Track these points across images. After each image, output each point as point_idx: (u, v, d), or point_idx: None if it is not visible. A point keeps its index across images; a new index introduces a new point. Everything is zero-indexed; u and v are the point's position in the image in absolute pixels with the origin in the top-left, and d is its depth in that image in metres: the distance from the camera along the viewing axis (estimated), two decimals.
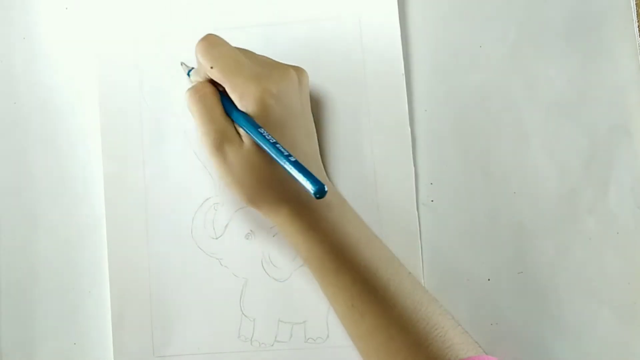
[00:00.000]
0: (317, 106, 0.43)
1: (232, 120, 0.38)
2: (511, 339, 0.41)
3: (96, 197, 0.44)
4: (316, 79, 0.43)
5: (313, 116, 0.42)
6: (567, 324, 0.42)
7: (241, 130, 0.38)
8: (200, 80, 0.40)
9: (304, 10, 0.44)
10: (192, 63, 0.42)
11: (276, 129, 0.37)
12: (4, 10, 0.45)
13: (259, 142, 0.36)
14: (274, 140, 0.36)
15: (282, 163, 0.35)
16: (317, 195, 0.34)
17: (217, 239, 0.43)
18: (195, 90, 0.39)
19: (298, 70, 0.40)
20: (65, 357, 0.43)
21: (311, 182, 0.34)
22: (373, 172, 0.43)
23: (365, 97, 0.43)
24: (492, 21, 0.44)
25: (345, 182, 0.43)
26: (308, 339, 0.42)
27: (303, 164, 0.35)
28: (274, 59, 0.41)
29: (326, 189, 0.34)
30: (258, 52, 0.43)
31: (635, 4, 0.43)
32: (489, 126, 0.43)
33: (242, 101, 0.37)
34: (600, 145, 0.42)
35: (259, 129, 0.36)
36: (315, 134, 0.42)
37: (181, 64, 0.43)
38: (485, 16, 0.44)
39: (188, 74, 0.42)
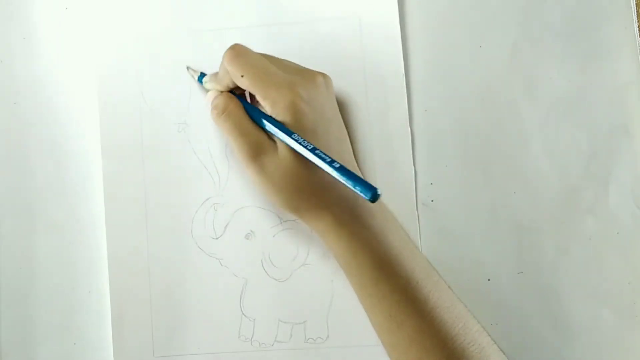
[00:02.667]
0: None
1: (263, 129, 0.38)
2: (511, 339, 0.41)
3: (96, 197, 0.44)
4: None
5: None
6: (567, 324, 0.42)
7: (275, 138, 0.38)
8: (218, 87, 0.40)
9: (304, 10, 0.44)
10: (194, 64, 0.42)
11: (310, 135, 0.37)
12: (4, 10, 0.45)
13: (296, 149, 0.36)
14: (312, 146, 0.36)
15: (327, 170, 0.35)
16: (372, 199, 0.33)
17: (217, 239, 0.43)
18: (220, 108, 0.39)
19: (324, 75, 0.40)
20: (65, 357, 0.43)
21: (363, 187, 0.33)
22: (373, 172, 0.43)
23: (365, 97, 0.43)
24: (492, 21, 0.44)
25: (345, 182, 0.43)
26: (308, 339, 0.42)
27: None
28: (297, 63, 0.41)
29: (379, 192, 0.33)
30: (258, 52, 0.44)
31: (635, 4, 0.43)
32: (489, 126, 0.43)
33: (274, 109, 0.37)
34: (600, 145, 0.42)
35: (293, 136, 0.36)
36: (348, 138, 0.41)
37: (187, 69, 0.43)
38: (485, 16, 0.44)
39: (200, 80, 0.42)
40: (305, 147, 0.36)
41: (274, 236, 0.43)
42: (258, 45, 0.44)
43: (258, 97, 0.38)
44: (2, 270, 0.44)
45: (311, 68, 0.41)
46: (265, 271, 0.43)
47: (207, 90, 0.42)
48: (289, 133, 0.36)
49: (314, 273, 0.42)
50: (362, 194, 0.33)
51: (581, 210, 0.42)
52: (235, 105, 0.39)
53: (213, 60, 0.44)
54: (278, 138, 0.37)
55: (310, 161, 0.36)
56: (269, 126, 0.38)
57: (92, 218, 0.44)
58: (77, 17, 0.45)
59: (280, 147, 0.38)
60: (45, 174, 0.44)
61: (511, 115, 0.43)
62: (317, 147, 0.36)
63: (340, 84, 0.43)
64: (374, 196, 0.33)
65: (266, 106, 0.38)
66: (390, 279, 0.38)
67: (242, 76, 0.38)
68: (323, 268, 0.42)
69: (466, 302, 0.41)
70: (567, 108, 0.43)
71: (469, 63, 0.43)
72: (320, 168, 0.35)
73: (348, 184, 0.34)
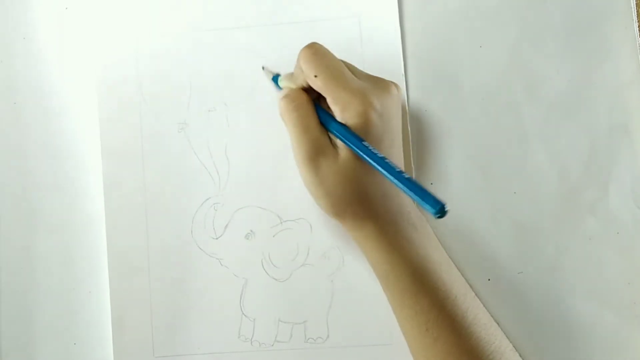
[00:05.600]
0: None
1: (327, 132, 0.38)
2: (511, 338, 0.41)
3: (96, 197, 0.44)
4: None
5: None
6: (567, 324, 0.42)
7: (338, 142, 0.37)
8: (292, 86, 0.40)
9: (304, 10, 0.44)
10: (194, 64, 0.42)
11: (375, 145, 0.36)
12: (4, 10, 0.45)
13: (364, 156, 0.36)
14: (382, 156, 0.35)
15: (394, 180, 0.34)
16: (438, 215, 0.32)
17: (217, 239, 0.43)
18: (290, 98, 0.39)
19: (397, 86, 0.39)
20: (65, 357, 0.43)
21: (430, 201, 0.33)
22: None
23: None
24: (492, 21, 0.44)
25: None
26: (308, 339, 0.42)
27: None
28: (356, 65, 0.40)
29: (447, 208, 0.32)
30: (258, 52, 0.44)
31: (636, 3, 0.43)
32: (489, 126, 0.43)
33: (344, 114, 0.37)
34: (601, 145, 0.42)
35: (364, 143, 0.36)
36: (402, 151, 0.41)
37: (262, 68, 0.43)
38: (485, 16, 0.44)
39: (275, 80, 0.42)
40: (375, 155, 0.35)
41: (274, 236, 0.43)
42: (258, 45, 0.44)
43: (329, 100, 0.37)
44: (3, 270, 0.44)
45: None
46: (265, 271, 0.43)
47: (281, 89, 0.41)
48: (360, 139, 0.36)
49: (314, 273, 0.42)
50: (428, 208, 0.32)
51: (581, 210, 0.42)
52: (305, 100, 0.38)
53: (212, 60, 0.44)
54: (344, 143, 0.37)
55: (369, 170, 0.36)
56: (337, 129, 0.37)
57: (92, 218, 0.44)
58: (77, 17, 0.45)
59: (342, 153, 0.37)
60: (45, 173, 0.44)
61: (511, 115, 0.43)
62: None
63: None
64: (441, 211, 0.32)
65: (336, 110, 0.37)
66: (429, 292, 0.37)
67: (315, 76, 0.37)
68: (323, 268, 0.42)
69: None
70: (567, 108, 0.43)
71: (469, 63, 0.43)
72: (387, 178, 0.35)
73: (415, 197, 0.33)
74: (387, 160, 0.35)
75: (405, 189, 0.34)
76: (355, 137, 0.36)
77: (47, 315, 0.43)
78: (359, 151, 0.36)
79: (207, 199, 0.43)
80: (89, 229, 0.44)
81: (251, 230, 0.43)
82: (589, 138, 0.43)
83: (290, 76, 0.40)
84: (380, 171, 0.35)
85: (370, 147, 0.36)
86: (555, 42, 0.43)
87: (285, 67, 0.41)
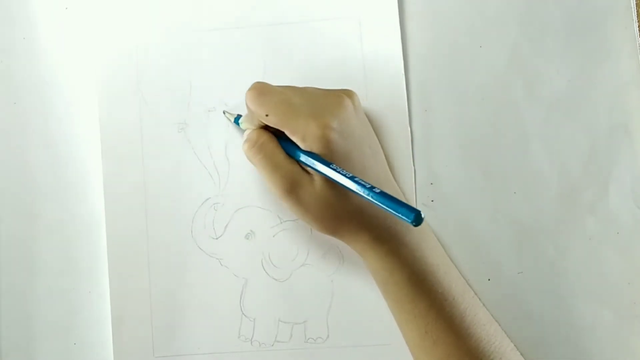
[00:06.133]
0: None
1: (297, 162, 0.38)
2: (511, 338, 0.41)
3: (96, 197, 0.44)
4: (316, 79, 0.43)
5: None
6: (567, 324, 0.42)
7: (310, 170, 0.38)
8: (252, 127, 0.40)
9: (304, 10, 0.44)
10: (194, 64, 0.42)
11: (344, 161, 0.37)
12: (4, 10, 0.45)
13: (334, 179, 0.36)
14: (351, 175, 0.35)
15: (367, 197, 0.34)
16: (415, 224, 0.32)
17: (217, 239, 0.43)
18: (252, 142, 0.39)
19: (348, 93, 0.40)
20: (65, 357, 0.43)
21: (404, 211, 0.33)
22: None
23: (365, 97, 0.43)
24: (492, 21, 0.44)
25: None
26: (308, 339, 0.42)
27: (380, 187, 0.35)
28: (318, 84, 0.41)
29: (423, 215, 0.33)
30: (258, 52, 0.44)
31: (636, 3, 0.43)
32: (489, 126, 0.43)
33: (306, 142, 0.37)
34: (601, 145, 0.42)
35: (331, 166, 0.36)
36: (381, 150, 0.41)
37: (224, 113, 0.43)
38: (485, 16, 0.44)
39: (236, 122, 0.42)
40: (344, 175, 0.35)
41: (274, 236, 0.43)
42: (258, 45, 0.44)
43: (287, 133, 0.38)
44: (3, 270, 0.44)
45: (311, 68, 0.41)
46: (265, 271, 0.43)
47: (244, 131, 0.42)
48: (327, 164, 0.36)
49: (314, 273, 0.42)
50: (404, 218, 0.33)
51: (581, 210, 0.42)
52: (267, 138, 0.39)
53: (213, 60, 0.44)
54: (314, 169, 0.37)
55: (347, 188, 0.36)
56: (304, 158, 0.37)
57: (92, 218, 0.44)
58: (77, 17, 0.45)
59: (317, 178, 0.37)
60: (45, 174, 0.44)
61: (511, 115, 0.43)
62: (353, 171, 0.36)
63: (340, 84, 0.43)
64: (417, 219, 0.32)
65: (297, 140, 0.37)
66: (426, 295, 0.37)
67: (267, 115, 0.37)
68: (323, 268, 0.42)
69: None
70: (567, 108, 0.43)
71: (469, 63, 0.43)
72: (359, 195, 0.35)
73: (390, 210, 0.33)
74: (356, 179, 0.35)
75: (378, 203, 0.34)
76: (322, 162, 0.36)
77: (47, 315, 0.43)
78: (328, 174, 0.36)
79: (207, 199, 0.43)
80: (89, 229, 0.44)
81: (251, 230, 0.43)
82: (589, 138, 0.43)
83: (247, 116, 0.40)
84: (352, 190, 0.35)
85: (337, 168, 0.36)
86: (555, 42, 0.43)
87: (286, 66, 0.41)
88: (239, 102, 0.43)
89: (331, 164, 0.36)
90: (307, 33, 0.44)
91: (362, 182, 0.35)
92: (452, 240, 0.42)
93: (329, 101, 0.38)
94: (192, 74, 0.44)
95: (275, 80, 0.43)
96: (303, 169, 0.38)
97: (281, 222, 0.43)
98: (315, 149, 0.37)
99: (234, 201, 0.43)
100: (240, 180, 0.43)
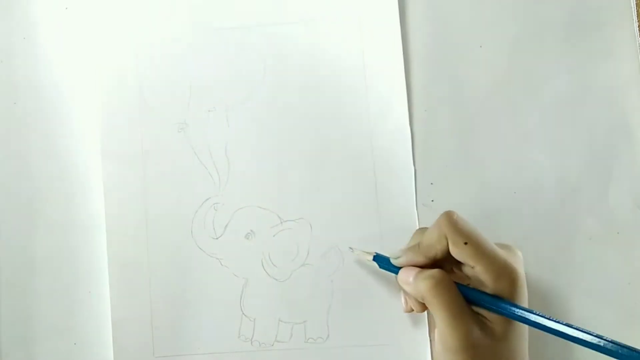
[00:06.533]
0: (317, 106, 0.43)
1: (474, 310, 0.36)
2: None
3: (96, 197, 0.44)
4: (316, 79, 0.43)
5: (314, 116, 0.42)
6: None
7: (490, 316, 0.35)
8: (419, 259, 0.37)
9: (304, 10, 0.44)
10: (193, 64, 0.41)
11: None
12: (4, 10, 0.45)
13: (549, 326, 0.34)
14: (566, 323, 0.33)
15: (594, 342, 0.32)
16: None
17: (217, 239, 0.43)
18: (437, 280, 0.35)
19: (519, 251, 0.38)
20: (65, 357, 0.43)
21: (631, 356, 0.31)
22: (373, 172, 0.43)
23: (365, 97, 0.43)
24: (492, 21, 0.44)
25: (345, 182, 0.43)
26: (308, 338, 0.42)
27: None
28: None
29: None
30: (258, 52, 0.44)
31: (636, 3, 0.43)
32: (489, 126, 0.43)
33: (497, 283, 0.35)
34: (601, 144, 0.42)
35: (536, 312, 0.34)
36: None
37: (351, 250, 0.41)
38: (485, 16, 0.44)
39: (378, 261, 0.39)
40: (559, 322, 0.34)
41: (274, 236, 0.43)
42: (258, 45, 0.44)
43: (479, 268, 0.35)
44: (3, 270, 0.44)
45: (311, 68, 0.41)
46: (266, 271, 0.43)
47: (395, 268, 0.39)
48: (529, 310, 0.34)
49: (314, 273, 0.42)
50: None
51: (581, 210, 0.42)
52: (449, 279, 0.35)
53: (212, 60, 0.44)
54: (508, 317, 0.35)
55: (520, 341, 0.34)
56: (491, 303, 0.35)
57: (92, 218, 0.44)
58: (77, 17, 0.45)
59: (498, 329, 0.35)
60: (45, 174, 0.44)
61: (511, 115, 0.43)
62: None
63: (340, 84, 0.43)
64: None
65: (487, 279, 0.35)
66: None
67: (465, 244, 0.35)
68: (323, 268, 0.42)
69: None
70: (567, 107, 0.43)
71: (469, 63, 0.43)
72: (577, 342, 0.33)
73: (609, 354, 0.32)
74: (576, 326, 0.33)
75: (607, 351, 0.32)
76: (520, 307, 0.34)
77: (47, 315, 0.43)
78: (527, 318, 0.34)
79: (207, 199, 0.43)
80: (89, 229, 0.44)
81: (251, 230, 0.43)
82: (589, 138, 0.43)
83: (415, 249, 0.37)
84: (571, 337, 0.33)
85: (546, 316, 0.34)
86: (555, 41, 0.43)
87: (286, 66, 0.41)
88: (239, 101, 0.44)
89: (535, 311, 0.34)
90: (308, 33, 0.44)
91: (585, 330, 0.33)
92: None
93: (507, 250, 0.37)
94: (192, 74, 0.44)
95: (276, 80, 0.43)
96: (479, 317, 0.36)
97: (281, 222, 0.43)
98: (506, 292, 0.35)
99: (234, 201, 0.43)
100: (240, 180, 0.43)
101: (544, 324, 0.34)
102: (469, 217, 0.42)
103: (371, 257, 0.40)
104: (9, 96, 0.45)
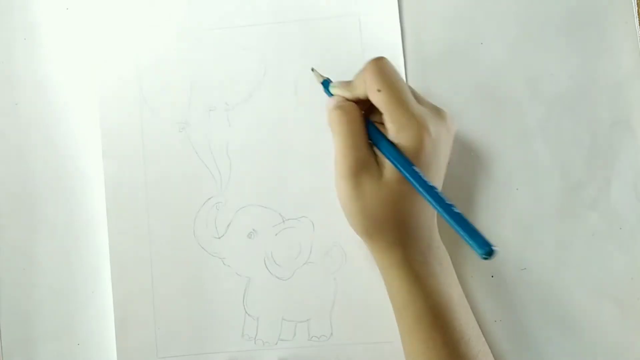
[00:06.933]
0: (317, 105, 0.43)
1: (373, 149, 0.37)
2: (515, 335, 0.41)
3: (97, 197, 0.44)
4: (316, 78, 0.43)
5: (315, 115, 0.42)
6: (570, 320, 0.42)
7: (384, 162, 0.36)
8: (346, 95, 0.39)
9: (304, 9, 0.44)
10: (193, 64, 0.41)
11: (422, 171, 0.35)
12: (5, 10, 0.45)
13: (413, 181, 0.35)
14: (432, 185, 0.34)
15: (442, 213, 0.33)
16: (484, 257, 0.31)
17: (219, 238, 0.43)
18: (344, 110, 0.37)
19: (453, 119, 0.39)
20: (68, 357, 0.43)
21: (479, 241, 0.32)
22: None
23: None
24: (492, 19, 0.44)
25: None
26: (312, 337, 0.42)
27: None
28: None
29: (495, 249, 0.31)
30: (258, 51, 0.44)
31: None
32: (491, 123, 0.43)
33: (399, 134, 0.36)
34: (602, 140, 0.42)
35: (414, 167, 0.35)
36: (442, 184, 0.39)
37: (312, 70, 0.42)
38: (485, 14, 0.44)
39: (324, 84, 0.41)
40: (425, 182, 0.34)
41: (276, 234, 0.43)
42: (258, 45, 0.44)
43: (386, 117, 0.36)
44: (5, 271, 0.44)
45: (314, 68, 0.41)
46: (268, 270, 0.43)
47: (329, 96, 0.40)
48: (410, 164, 0.35)
49: (316, 271, 0.42)
50: (475, 248, 0.32)
51: (584, 206, 0.42)
52: (359, 114, 0.37)
53: (212, 60, 0.44)
54: (392, 164, 0.36)
55: (410, 196, 0.35)
56: (387, 149, 0.36)
57: (93, 218, 0.44)
58: (78, 17, 0.45)
59: (387, 174, 0.36)
60: (46, 174, 0.44)
61: (513, 112, 0.43)
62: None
63: None
64: (489, 253, 0.31)
65: (391, 129, 0.36)
66: (444, 330, 0.36)
67: (379, 90, 0.36)
68: (326, 266, 0.42)
69: (470, 299, 0.41)
70: (569, 104, 0.43)
71: (469, 60, 0.43)
72: (435, 208, 0.34)
73: (462, 233, 0.32)
74: (436, 190, 0.34)
75: (453, 223, 0.33)
76: (406, 160, 0.35)
77: (49, 316, 0.43)
78: (409, 175, 0.35)
79: (209, 199, 0.43)
80: (91, 229, 0.44)
81: (253, 229, 0.43)
82: (591, 133, 0.43)
83: (347, 85, 0.39)
84: (429, 200, 0.34)
85: (420, 174, 0.35)
86: (556, 37, 0.43)
87: (287, 65, 0.41)
88: (240, 101, 0.44)
89: (414, 165, 0.35)
90: (307, 31, 0.44)
91: (443, 196, 0.33)
92: (454, 237, 0.42)
93: (435, 112, 0.37)
94: (193, 73, 0.44)
95: (276, 79, 0.43)
96: (376, 158, 0.37)
97: (283, 221, 0.43)
98: (404, 145, 0.36)
99: (235, 200, 0.43)
100: (242, 179, 0.43)
101: (412, 179, 0.35)
102: (471, 214, 0.42)
103: (321, 80, 0.41)
104: (9, 96, 0.45)
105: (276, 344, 0.42)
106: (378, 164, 0.37)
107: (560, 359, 0.41)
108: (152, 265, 0.43)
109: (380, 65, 0.37)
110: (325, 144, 0.43)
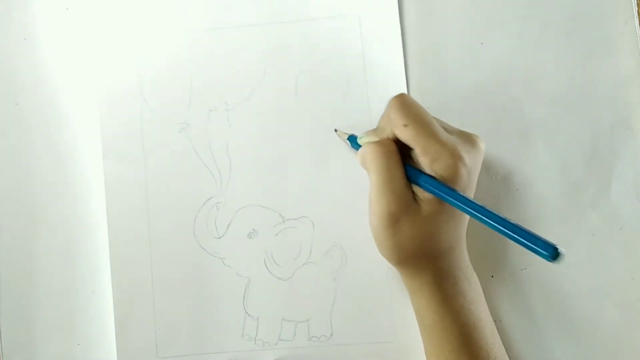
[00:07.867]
0: (317, 105, 0.43)
1: (410, 186, 0.37)
2: (515, 335, 0.41)
3: (97, 198, 0.44)
4: (316, 78, 0.43)
5: (315, 115, 0.42)
6: (571, 320, 0.42)
7: (423, 197, 0.36)
8: (375, 139, 0.38)
9: (304, 9, 0.44)
10: (193, 64, 0.41)
11: None
12: (5, 11, 0.45)
13: (463, 207, 0.35)
14: (481, 205, 0.34)
15: (499, 228, 0.33)
16: (552, 259, 0.31)
17: (219, 238, 0.43)
18: (379, 143, 0.37)
19: (483, 141, 0.38)
20: (68, 357, 0.43)
21: (541, 245, 0.31)
22: None
23: (365, 96, 0.43)
24: (492, 19, 0.44)
25: (345, 182, 0.43)
26: (312, 337, 0.42)
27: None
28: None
29: (560, 250, 0.31)
30: (258, 52, 0.44)
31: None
32: (491, 123, 0.43)
33: (434, 165, 0.35)
34: (603, 140, 0.42)
35: (460, 193, 0.35)
36: None
37: (335, 131, 0.42)
38: (486, 14, 0.44)
39: (351, 140, 0.41)
40: (474, 205, 0.34)
41: (276, 235, 0.43)
42: (258, 44, 0.44)
43: (418, 150, 0.36)
44: (5, 271, 0.44)
45: (311, 68, 0.41)
46: (268, 270, 0.43)
47: (357, 149, 0.40)
48: (454, 190, 0.35)
49: (317, 271, 0.42)
50: (541, 253, 0.31)
51: (584, 206, 0.42)
52: (394, 149, 0.37)
53: (212, 60, 0.44)
54: (436, 195, 0.36)
55: (446, 225, 0.35)
56: (427, 182, 0.36)
57: (94, 218, 0.44)
58: (78, 17, 0.45)
59: (426, 208, 0.36)
60: (46, 174, 0.44)
61: (513, 112, 0.43)
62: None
63: (341, 82, 0.43)
64: (555, 254, 0.31)
65: (424, 161, 0.36)
66: (472, 350, 0.37)
67: (405, 125, 0.36)
68: (326, 266, 0.42)
69: None
70: (569, 104, 0.43)
71: (470, 61, 0.43)
72: (490, 226, 0.34)
73: (526, 243, 0.32)
74: (489, 210, 0.34)
75: (513, 235, 0.33)
76: (449, 188, 0.35)
77: (50, 315, 0.43)
78: (458, 202, 0.35)
79: (209, 199, 0.43)
80: (91, 229, 0.44)
81: (253, 229, 0.43)
82: (591, 134, 0.43)
83: (373, 131, 0.39)
84: (483, 221, 0.34)
85: (469, 197, 0.35)
86: (556, 38, 0.43)
87: (287, 65, 0.41)
88: (240, 101, 0.44)
89: (456, 190, 0.35)
90: (308, 32, 0.44)
91: (497, 213, 0.33)
92: None
93: (465, 138, 0.37)
94: (193, 73, 0.44)
95: (276, 79, 0.43)
96: (413, 195, 0.37)
97: (283, 221, 0.43)
98: (441, 175, 0.35)
99: (235, 200, 0.43)
100: (241, 179, 0.43)
101: (464, 205, 0.35)
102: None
103: (346, 137, 0.41)
104: (9, 97, 0.45)
105: (276, 344, 0.42)
106: (415, 201, 0.37)
107: (560, 358, 0.41)
108: (152, 265, 0.43)
109: (402, 101, 0.36)
110: (326, 144, 0.43)
